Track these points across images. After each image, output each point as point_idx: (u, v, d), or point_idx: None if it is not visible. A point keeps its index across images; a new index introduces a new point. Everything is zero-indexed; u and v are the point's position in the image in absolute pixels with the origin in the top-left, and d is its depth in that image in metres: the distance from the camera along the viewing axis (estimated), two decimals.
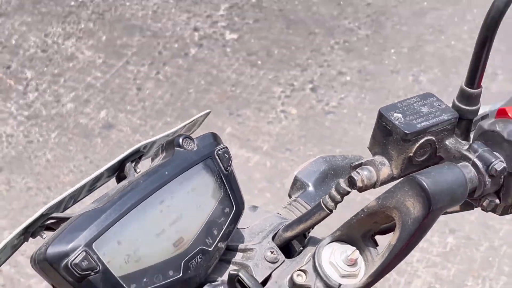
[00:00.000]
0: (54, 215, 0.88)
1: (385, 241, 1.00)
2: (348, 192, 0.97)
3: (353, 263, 0.95)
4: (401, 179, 0.94)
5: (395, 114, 0.96)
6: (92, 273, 0.82)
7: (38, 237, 0.91)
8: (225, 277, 0.95)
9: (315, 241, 1.00)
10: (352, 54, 3.69)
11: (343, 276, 0.95)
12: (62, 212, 0.93)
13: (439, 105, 0.99)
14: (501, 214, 1.04)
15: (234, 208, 0.95)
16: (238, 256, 0.97)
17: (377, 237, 1.07)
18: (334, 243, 0.97)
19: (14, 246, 0.90)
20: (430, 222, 0.91)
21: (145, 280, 0.85)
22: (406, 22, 3.95)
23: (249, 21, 3.89)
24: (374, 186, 0.98)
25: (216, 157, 0.94)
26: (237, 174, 1.06)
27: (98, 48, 3.45)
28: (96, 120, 3.14)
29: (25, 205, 2.78)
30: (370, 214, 0.95)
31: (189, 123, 1.01)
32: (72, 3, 3.75)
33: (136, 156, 0.97)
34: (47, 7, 3.71)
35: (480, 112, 1.06)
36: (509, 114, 0.99)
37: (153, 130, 3.13)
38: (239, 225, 1.01)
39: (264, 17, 3.85)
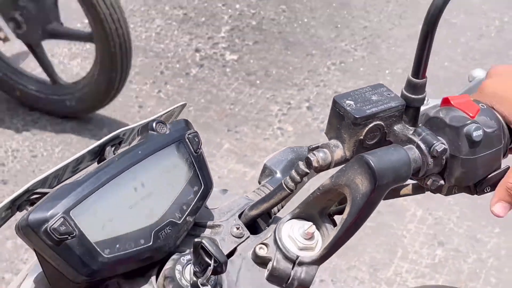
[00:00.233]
0: (38, 190, 0.93)
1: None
2: (307, 173, 1.02)
3: (310, 237, 0.99)
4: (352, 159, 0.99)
5: (347, 101, 1.01)
6: (69, 238, 0.86)
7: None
8: None
9: (279, 220, 1.03)
10: (348, 75, 3.74)
11: (300, 249, 0.98)
12: None
13: (388, 94, 1.04)
14: (446, 194, 1.09)
15: (203, 186, 1.00)
16: (207, 232, 1.02)
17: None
18: (294, 220, 1.01)
19: (2, 218, 0.95)
20: (377, 197, 0.96)
21: (117, 246, 0.90)
22: (401, 44, 4.00)
23: (249, 43, 3.94)
24: (329, 167, 1.01)
25: (187, 140, 1.00)
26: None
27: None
28: (98, 136, 3.18)
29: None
30: (325, 192, 0.98)
31: (166, 113, 1.07)
32: (79, 24, 3.80)
33: (116, 141, 1.02)
34: None
35: (431, 104, 1.13)
36: (452, 102, 1.04)
37: None
38: (210, 206, 1.06)
39: (263, 39, 3.91)
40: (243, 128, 3.42)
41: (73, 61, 3.78)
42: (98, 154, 1.01)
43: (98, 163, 1.04)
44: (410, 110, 1.05)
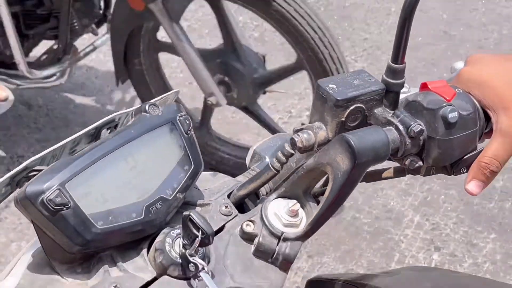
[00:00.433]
0: (36, 167, 0.95)
1: None
2: (292, 154, 1.05)
3: (295, 214, 1.03)
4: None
5: (330, 85, 1.04)
6: (65, 208, 0.89)
7: None
8: None
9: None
10: None
11: (285, 225, 1.02)
12: None
13: (369, 79, 1.07)
14: (424, 175, 1.12)
15: (193, 166, 1.03)
16: (196, 210, 1.03)
17: None
18: (279, 199, 1.05)
19: (2, 194, 0.97)
20: (357, 175, 1.00)
21: (110, 218, 0.93)
22: None
23: None
24: (312, 147, 1.04)
25: (178, 122, 1.02)
26: None
27: (106, 78, 3.56)
28: None
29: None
30: (308, 171, 1.03)
31: (160, 99, 1.09)
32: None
33: (112, 125, 1.04)
34: None
35: (412, 92, 1.15)
36: (429, 87, 1.08)
37: None
38: (200, 188, 1.09)
39: (266, 50, 3.96)
40: (244, 136, 3.47)
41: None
42: (94, 137, 1.03)
43: None
44: (390, 94, 1.07)
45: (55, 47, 3.16)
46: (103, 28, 3.30)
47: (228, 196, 1.09)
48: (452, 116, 1.04)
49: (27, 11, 2.97)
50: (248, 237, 1.03)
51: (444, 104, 1.05)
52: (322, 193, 1.06)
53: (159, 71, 3.36)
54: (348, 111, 1.04)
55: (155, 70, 3.32)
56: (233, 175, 1.13)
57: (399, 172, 1.15)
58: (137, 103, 3.52)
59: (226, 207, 1.06)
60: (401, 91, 1.09)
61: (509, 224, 3.12)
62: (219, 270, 1.00)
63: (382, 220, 3.11)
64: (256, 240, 1.03)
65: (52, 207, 0.90)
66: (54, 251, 0.95)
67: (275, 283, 1.02)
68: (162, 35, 3.21)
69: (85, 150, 0.96)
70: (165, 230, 0.99)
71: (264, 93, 3.26)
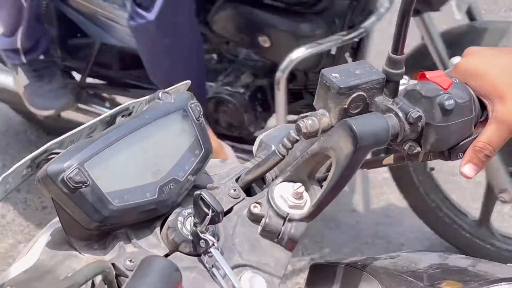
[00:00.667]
0: (55, 151, 1.00)
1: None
2: (297, 140, 1.08)
3: (299, 197, 1.06)
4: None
5: (333, 74, 1.07)
6: (83, 186, 0.93)
7: None
8: None
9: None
10: None
11: (291, 207, 1.06)
12: None
13: (371, 69, 1.10)
14: (422, 160, 1.15)
15: (203, 150, 1.07)
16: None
17: None
18: (285, 182, 1.09)
19: (23, 175, 1.01)
20: (358, 158, 1.03)
21: (126, 197, 0.97)
22: None
23: None
24: (316, 133, 1.07)
25: (190, 109, 1.06)
26: None
27: None
28: None
29: (40, 222, 2.85)
30: (313, 155, 1.06)
31: (172, 89, 1.13)
32: None
33: (126, 113, 1.08)
34: None
35: (411, 83, 1.17)
36: (427, 76, 1.11)
37: None
38: (210, 173, 1.12)
39: None
40: None
41: None
42: (109, 124, 1.07)
43: None
44: (390, 83, 1.11)
45: None
46: None
47: (236, 180, 1.12)
48: (449, 103, 1.07)
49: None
50: (255, 218, 1.07)
51: (441, 92, 1.08)
52: (325, 179, 1.09)
53: None
54: (350, 98, 1.07)
55: None
56: None
57: (399, 159, 1.18)
58: None
59: (234, 190, 1.10)
60: (401, 83, 1.12)
61: None
62: (228, 248, 1.02)
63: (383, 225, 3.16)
64: (263, 221, 1.06)
65: (71, 185, 0.93)
66: (72, 228, 0.99)
67: (280, 261, 1.05)
68: None
69: (102, 133, 1.00)
70: (177, 210, 1.02)
71: None
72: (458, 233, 2.91)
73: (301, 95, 2.77)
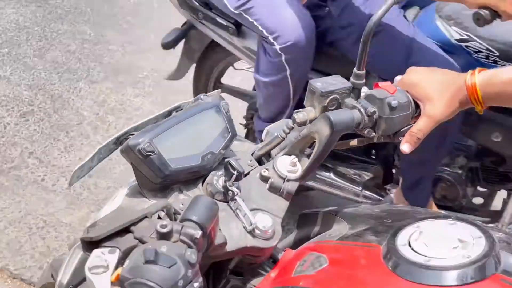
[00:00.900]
0: (132, 132, 1.07)
1: None
2: (292, 128, 1.12)
3: (294, 165, 1.12)
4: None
5: (318, 83, 1.12)
6: (152, 154, 1.00)
7: None
8: None
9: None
10: None
11: (288, 172, 1.11)
12: None
13: (342, 80, 1.14)
14: (376, 141, 1.18)
15: (230, 134, 1.12)
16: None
17: None
18: (285, 156, 1.13)
19: (110, 149, 1.08)
20: (333, 139, 1.08)
21: (180, 162, 1.04)
22: None
23: None
24: (305, 123, 1.11)
25: (221, 106, 1.12)
26: None
27: (156, 103, 3.51)
28: None
29: (106, 197, 2.82)
30: (303, 137, 1.11)
31: (210, 94, 1.17)
32: (140, 75, 3.81)
33: (179, 109, 1.14)
34: (124, 78, 3.80)
35: (368, 92, 1.19)
36: (380, 85, 1.15)
37: None
38: (234, 150, 1.17)
39: None
40: None
41: None
42: (167, 116, 1.12)
43: None
44: (355, 90, 1.15)
45: None
46: None
47: (252, 154, 1.17)
48: (394, 102, 1.11)
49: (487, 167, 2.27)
50: (264, 179, 1.11)
51: (389, 96, 1.12)
52: (311, 154, 1.13)
53: None
54: (328, 99, 1.12)
55: None
56: None
57: (360, 142, 1.21)
58: None
59: (251, 161, 1.15)
60: (362, 91, 1.16)
61: None
62: (247, 198, 1.07)
63: None
64: (270, 180, 1.11)
65: (144, 153, 1.00)
66: (144, 183, 1.05)
67: (281, 207, 1.10)
68: None
69: (164, 121, 1.06)
70: (213, 172, 1.08)
71: None
72: None
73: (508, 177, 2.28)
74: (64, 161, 3.10)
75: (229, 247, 1.01)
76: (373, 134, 1.15)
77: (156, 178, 1.03)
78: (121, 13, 4.45)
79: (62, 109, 3.46)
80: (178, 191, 1.06)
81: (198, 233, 0.85)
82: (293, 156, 1.13)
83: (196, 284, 0.81)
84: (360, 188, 2.35)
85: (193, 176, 1.08)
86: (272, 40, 2.06)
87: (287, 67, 2.10)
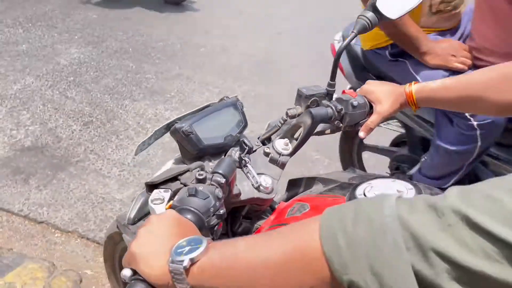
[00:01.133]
0: (177, 120, 1.06)
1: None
2: (286, 120, 1.13)
3: (286, 145, 1.11)
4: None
5: (303, 89, 1.14)
6: (191, 134, 1.01)
7: None
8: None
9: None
10: None
11: (282, 149, 1.11)
12: None
13: (320, 87, 1.16)
14: (343, 130, 1.18)
15: (243, 123, 1.11)
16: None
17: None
18: (280, 139, 1.13)
19: (162, 132, 1.07)
20: (313, 127, 1.10)
21: (209, 140, 1.03)
22: None
23: None
24: (295, 116, 1.13)
25: (238, 104, 1.12)
26: None
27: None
28: None
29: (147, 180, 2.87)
30: (293, 126, 1.13)
31: (231, 97, 1.17)
32: (168, 95, 3.83)
33: (208, 106, 1.11)
34: (157, 97, 3.79)
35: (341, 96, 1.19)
36: (346, 91, 1.17)
37: None
38: (248, 136, 1.15)
39: None
40: None
41: None
42: (201, 110, 1.11)
43: None
44: (329, 94, 1.16)
45: None
46: None
47: (258, 138, 1.17)
48: (355, 103, 1.14)
49: None
50: (266, 154, 1.11)
51: (351, 98, 1.15)
52: (298, 137, 1.14)
53: None
54: (310, 100, 1.14)
55: None
56: None
57: (333, 130, 1.20)
58: None
59: (257, 143, 1.14)
60: (334, 95, 1.18)
61: None
62: (254, 166, 1.07)
63: None
64: (270, 155, 1.11)
65: (186, 133, 1.01)
66: (185, 154, 1.06)
67: (277, 172, 1.10)
68: None
69: (198, 113, 1.07)
70: (232, 148, 1.08)
71: None
72: None
73: None
74: (116, 156, 3.12)
75: (242, 197, 1.02)
76: (341, 125, 1.16)
77: (193, 151, 1.03)
78: (153, 51, 4.49)
79: (113, 120, 3.48)
80: (208, 160, 1.06)
81: (223, 180, 0.88)
82: (286, 139, 1.13)
83: (222, 211, 0.84)
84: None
85: (218, 151, 1.07)
86: (468, 116, 1.68)
87: (479, 140, 1.70)
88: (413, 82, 1.15)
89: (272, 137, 1.16)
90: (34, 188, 2.79)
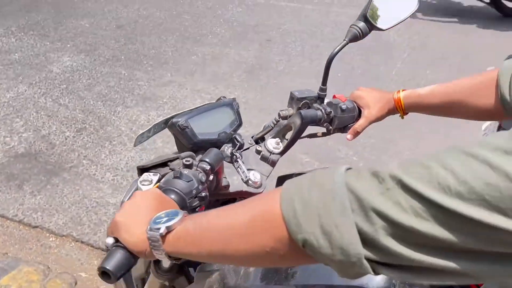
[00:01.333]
0: (175, 115, 1.06)
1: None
2: (278, 120, 1.15)
3: (278, 144, 1.13)
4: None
5: (295, 92, 1.16)
6: (186, 129, 1.02)
7: None
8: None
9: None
10: None
11: (274, 148, 1.12)
12: None
13: (312, 91, 1.17)
14: (332, 133, 1.19)
15: (237, 122, 1.12)
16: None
17: None
18: (272, 138, 1.15)
19: (161, 127, 1.07)
20: (303, 128, 1.12)
21: (204, 135, 1.04)
22: None
23: None
24: (287, 117, 1.15)
25: (234, 104, 1.12)
26: None
27: None
28: None
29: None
30: (284, 126, 1.15)
31: (228, 98, 1.17)
32: (160, 101, 3.82)
33: (205, 104, 1.11)
34: (149, 104, 3.86)
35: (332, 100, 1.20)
36: (336, 96, 1.19)
37: None
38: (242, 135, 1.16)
39: None
40: None
41: None
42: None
43: None
44: (320, 98, 1.18)
45: None
46: None
47: (252, 137, 1.18)
48: (343, 107, 1.16)
49: None
50: (258, 152, 1.13)
51: (341, 102, 1.17)
52: (289, 137, 1.15)
53: None
54: (302, 102, 1.15)
55: None
56: None
57: (323, 134, 1.22)
58: None
59: (250, 141, 1.16)
60: (325, 100, 1.20)
61: None
62: (246, 162, 1.09)
63: None
64: (261, 153, 1.13)
65: (182, 127, 1.03)
66: (180, 148, 1.07)
67: (268, 170, 1.12)
68: None
69: (195, 109, 1.08)
70: (225, 144, 1.10)
71: None
72: None
73: None
74: (109, 161, 3.14)
75: (231, 189, 1.04)
76: (330, 127, 1.17)
77: (188, 144, 1.05)
78: (145, 59, 4.51)
79: (106, 126, 3.49)
80: (201, 154, 1.03)
81: (208, 167, 0.92)
82: (277, 139, 1.15)
83: (204, 194, 0.88)
84: None
85: (212, 146, 1.06)
86: None
87: None
88: (401, 89, 1.17)
89: (265, 136, 1.18)
90: (28, 193, 2.80)
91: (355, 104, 1.19)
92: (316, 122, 1.14)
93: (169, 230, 0.69)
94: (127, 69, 4.31)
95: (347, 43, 1.13)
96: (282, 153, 1.15)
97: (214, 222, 0.66)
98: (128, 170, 3.02)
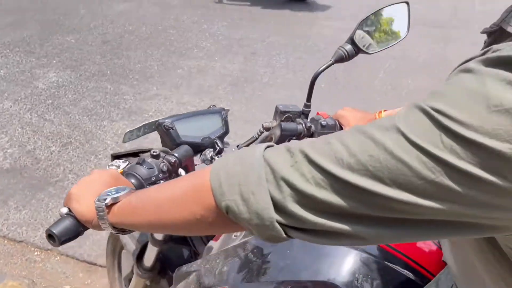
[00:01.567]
0: (164, 119, 1.09)
1: None
2: (262, 132, 1.17)
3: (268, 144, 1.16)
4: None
5: (280, 106, 1.17)
6: (171, 129, 1.05)
7: None
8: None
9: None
10: None
11: (267, 147, 1.15)
12: None
13: (296, 106, 1.18)
14: None
15: (224, 130, 1.16)
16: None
17: None
18: (259, 144, 1.12)
19: (151, 128, 1.11)
20: (284, 138, 1.13)
21: (188, 138, 1.08)
22: None
23: None
24: (270, 128, 1.16)
25: (222, 112, 1.16)
26: None
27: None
28: None
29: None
30: (267, 136, 1.17)
31: (217, 107, 1.21)
32: (146, 115, 3.89)
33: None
34: (135, 117, 3.88)
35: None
36: (319, 113, 1.20)
37: None
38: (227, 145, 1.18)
39: None
40: None
41: None
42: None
43: None
44: (303, 114, 1.19)
45: None
46: None
47: (237, 146, 1.20)
48: (323, 123, 1.18)
49: None
50: None
51: (322, 119, 1.17)
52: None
53: None
54: (285, 116, 1.16)
55: None
56: None
57: None
58: None
59: (235, 150, 1.17)
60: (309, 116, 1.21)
61: None
62: None
63: None
64: None
65: (167, 128, 1.07)
66: (165, 145, 1.10)
67: None
68: None
69: (183, 114, 1.11)
70: (207, 149, 1.13)
71: None
72: None
73: None
74: None
75: None
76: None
77: (172, 145, 1.09)
78: (131, 73, 4.50)
79: (92, 140, 3.46)
80: None
81: (173, 159, 0.99)
82: (265, 144, 1.15)
83: (162, 181, 0.94)
84: None
85: (195, 149, 1.11)
86: None
87: None
88: (383, 109, 1.18)
89: (250, 146, 1.13)
90: (13, 208, 2.75)
91: (337, 122, 1.20)
92: (295, 135, 1.15)
93: (115, 201, 0.76)
94: (113, 83, 4.29)
95: (333, 64, 1.15)
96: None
97: (154, 195, 0.72)
98: None
